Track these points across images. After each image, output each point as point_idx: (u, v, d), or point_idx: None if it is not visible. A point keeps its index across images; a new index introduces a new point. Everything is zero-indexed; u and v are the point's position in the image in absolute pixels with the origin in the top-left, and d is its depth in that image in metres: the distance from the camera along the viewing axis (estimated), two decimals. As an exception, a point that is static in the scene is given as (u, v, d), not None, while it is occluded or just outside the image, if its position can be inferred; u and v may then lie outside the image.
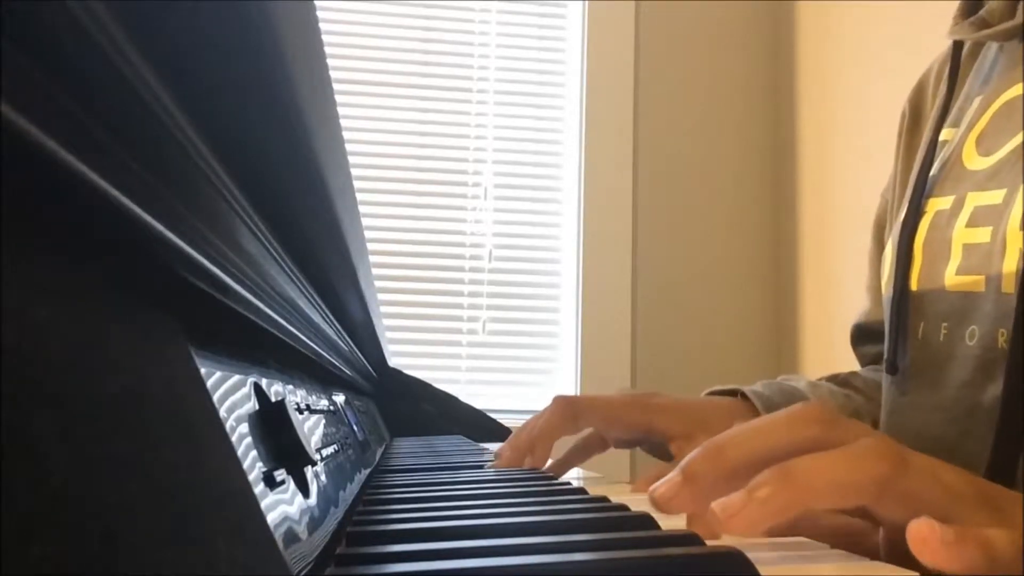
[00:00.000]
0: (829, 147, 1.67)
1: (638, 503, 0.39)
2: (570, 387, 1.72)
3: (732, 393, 0.74)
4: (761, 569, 0.27)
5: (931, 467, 0.36)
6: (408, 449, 0.96)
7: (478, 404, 1.35)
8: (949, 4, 0.69)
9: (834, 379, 0.80)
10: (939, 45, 0.74)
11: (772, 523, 0.34)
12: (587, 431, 0.72)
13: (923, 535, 0.32)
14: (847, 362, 0.85)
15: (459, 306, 1.75)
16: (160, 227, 0.20)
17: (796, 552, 0.37)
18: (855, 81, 1.59)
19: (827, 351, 1.61)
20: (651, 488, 0.37)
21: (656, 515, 0.37)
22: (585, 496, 0.46)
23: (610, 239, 1.74)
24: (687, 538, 0.32)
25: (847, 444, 0.36)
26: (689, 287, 1.78)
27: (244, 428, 0.27)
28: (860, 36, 1.58)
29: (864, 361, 0.84)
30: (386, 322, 1.41)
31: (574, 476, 0.71)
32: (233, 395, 0.27)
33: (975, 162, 0.62)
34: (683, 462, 0.38)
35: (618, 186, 1.76)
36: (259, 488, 0.25)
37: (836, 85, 1.66)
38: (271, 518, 0.25)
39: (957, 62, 0.69)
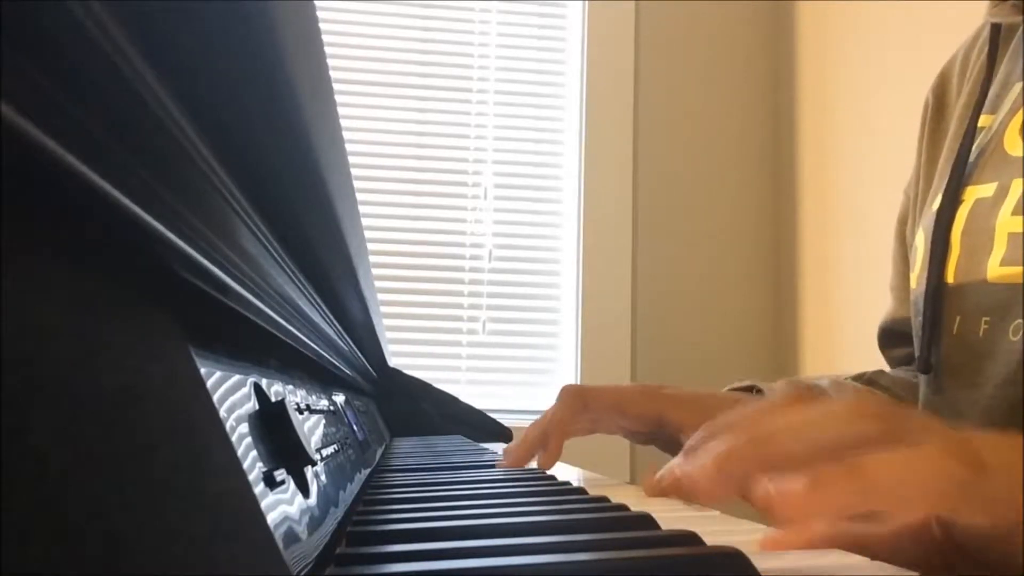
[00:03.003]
0: (829, 146, 1.67)
1: (638, 503, 0.39)
2: (570, 387, 1.71)
3: (749, 389, 0.71)
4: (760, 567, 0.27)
5: (1012, 464, 0.32)
6: (408, 449, 0.96)
7: (478, 404, 1.35)
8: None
9: (860, 378, 0.77)
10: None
11: (831, 516, 0.30)
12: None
13: None
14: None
15: (459, 306, 1.74)
16: (160, 227, 0.20)
17: (796, 551, 0.37)
18: (855, 81, 1.59)
19: (827, 351, 1.61)
20: (669, 472, 0.32)
21: (656, 515, 0.36)
22: (585, 496, 0.46)
23: (610, 239, 1.74)
24: (687, 538, 0.32)
25: (917, 444, 0.31)
26: (689, 287, 1.77)
27: (244, 428, 0.27)
28: (860, 36, 1.58)
29: (894, 364, 0.81)
30: (386, 322, 1.41)
31: (574, 476, 0.71)
32: (233, 395, 0.27)
33: (1018, 148, 0.59)
34: (721, 450, 0.32)
35: (618, 186, 1.76)
36: (259, 488, 0.25)
37: (836, 85, 1.66)
38: (271, 518, 0.25)
39: (995, 45, 0.67)
